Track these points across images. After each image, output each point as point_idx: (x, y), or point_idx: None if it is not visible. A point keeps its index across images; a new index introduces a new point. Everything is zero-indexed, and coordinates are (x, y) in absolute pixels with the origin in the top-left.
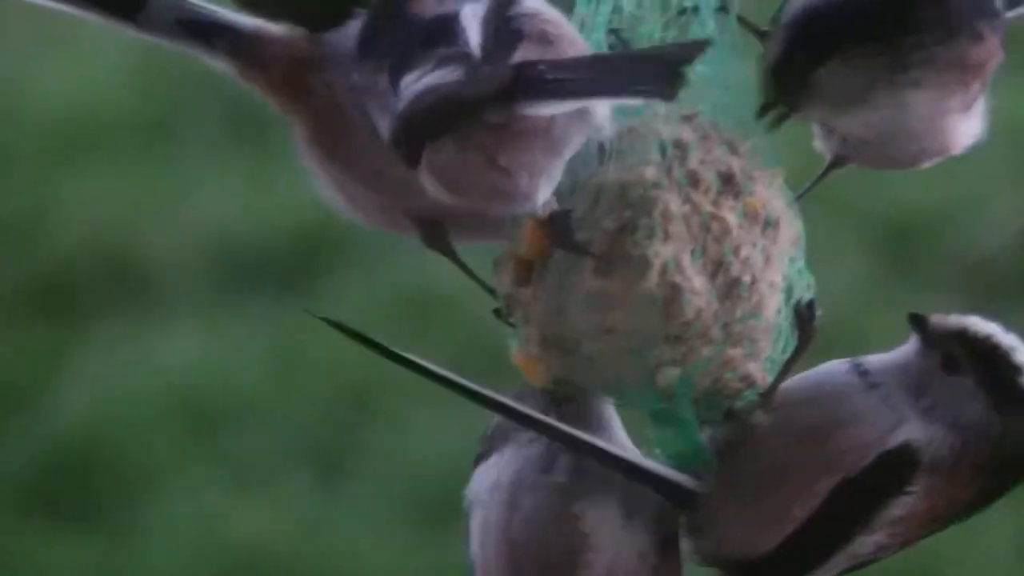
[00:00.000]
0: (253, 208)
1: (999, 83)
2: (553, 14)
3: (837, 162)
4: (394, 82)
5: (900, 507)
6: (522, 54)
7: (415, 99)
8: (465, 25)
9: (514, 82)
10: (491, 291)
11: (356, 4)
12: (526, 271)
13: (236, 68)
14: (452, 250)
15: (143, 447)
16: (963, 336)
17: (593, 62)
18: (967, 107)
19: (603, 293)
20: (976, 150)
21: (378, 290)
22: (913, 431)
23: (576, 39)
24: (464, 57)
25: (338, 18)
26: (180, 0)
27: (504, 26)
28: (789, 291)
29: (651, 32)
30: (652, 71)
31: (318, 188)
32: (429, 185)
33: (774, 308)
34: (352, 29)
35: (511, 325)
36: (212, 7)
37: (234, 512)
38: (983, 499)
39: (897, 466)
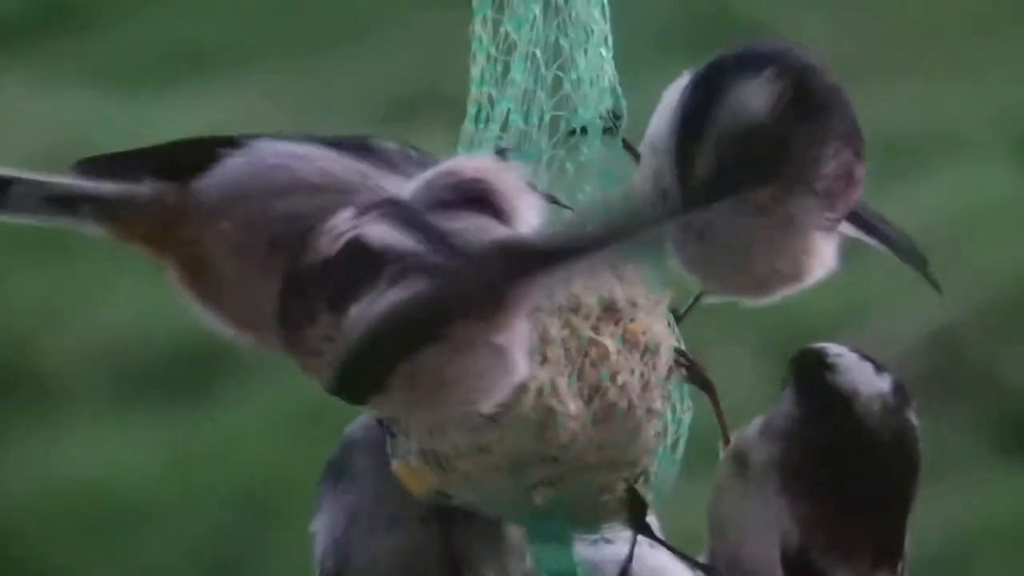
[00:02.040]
0: (148, 315)
1: (889, 189)
2: (456, 167)
3: (705, 292)
4: (333, 315)
5: None
6: (460, 225)
7: (378, 321)
8: (387, 242)
9: (505, 265)
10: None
11: (222, 146)
12: None
13: (105, 232)
14: None
15: (39, 552)
16: (796, 356)
17: (576, 235)
18: (829, 228)
19: (479, 413)
20: (872, 255)
21: (275, 397)
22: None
23: (497, 174)
24: (418, 267)
25: (204, 164)
26: (41, 181)
27: (419, 218)
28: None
29: (538, 151)
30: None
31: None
32: (399, 400)
33: (652, 433)
34: (218, 176)
35: (392, 435)
36: (72, 180)
37: None
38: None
39: None
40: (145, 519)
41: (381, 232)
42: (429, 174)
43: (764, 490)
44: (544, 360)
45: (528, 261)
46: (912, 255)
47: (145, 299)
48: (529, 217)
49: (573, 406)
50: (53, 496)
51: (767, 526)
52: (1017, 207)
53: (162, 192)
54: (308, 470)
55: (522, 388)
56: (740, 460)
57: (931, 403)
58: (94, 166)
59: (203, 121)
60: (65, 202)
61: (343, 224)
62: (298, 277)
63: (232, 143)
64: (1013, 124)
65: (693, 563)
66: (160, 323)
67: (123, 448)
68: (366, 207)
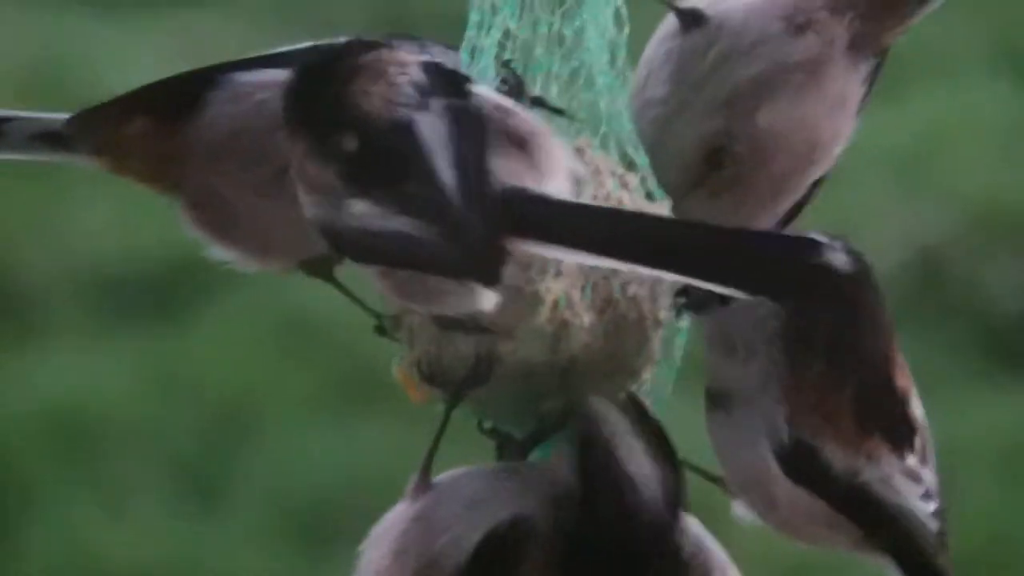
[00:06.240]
0: (130, 232)
1: (874, 109)
2: (512, 108)
3: None
4: (346, 189)
5: None
6: (497, 167)
7: (382, 238)
8: (432, 154)
9: (501, 249)
10: (376, 314)
11: (201, 83)
12: None
13: (104, 165)
14: (334, 278)
15: (17, 470)
16: None
17: (605, 215)
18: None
19: (493, 325)
20: (856, 175)
21: (255, 315)
22: None
23: (547, 135)
24: (440, 210)
25: (187, 101)
26: (33, 118)
27: (473, 152)
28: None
29: (545, 64)
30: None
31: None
32: (379, 284)
33: (657, 343)
34: (209, 118)
35: (395, 339)
36: (63, 117)
37: (108, 535)
38: None
39: None
40: (123, 437)
41: (435, 137)
42: (490, 97)
43: (750, 404)
44: (559, 273)
45: (533, 227)
46: None
47: (126, 216)
48: (559, 189)
49: (587, 318)
50: (30, 413)
51: (752, 443)
52: (1002, 127)
53: (151, 130)
54: (285, 388)
55: (538, 301)
56: (711, 395)
57: (914, 323)
58: (88, 109)
59: (182, 42)
60: (59, 139)
61: (406, 88)
62: (333, 108)
63: (210, 78)
64: (1001, 45)
65: (705, 475)
66: (139, 241)
67: (102, 365)
68: (433, 86)
